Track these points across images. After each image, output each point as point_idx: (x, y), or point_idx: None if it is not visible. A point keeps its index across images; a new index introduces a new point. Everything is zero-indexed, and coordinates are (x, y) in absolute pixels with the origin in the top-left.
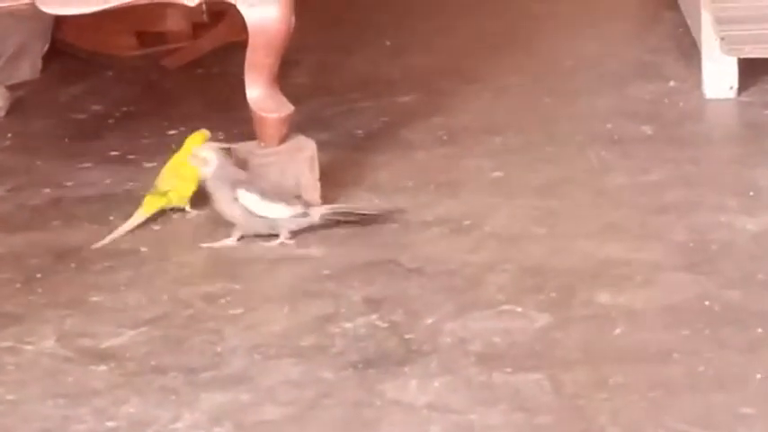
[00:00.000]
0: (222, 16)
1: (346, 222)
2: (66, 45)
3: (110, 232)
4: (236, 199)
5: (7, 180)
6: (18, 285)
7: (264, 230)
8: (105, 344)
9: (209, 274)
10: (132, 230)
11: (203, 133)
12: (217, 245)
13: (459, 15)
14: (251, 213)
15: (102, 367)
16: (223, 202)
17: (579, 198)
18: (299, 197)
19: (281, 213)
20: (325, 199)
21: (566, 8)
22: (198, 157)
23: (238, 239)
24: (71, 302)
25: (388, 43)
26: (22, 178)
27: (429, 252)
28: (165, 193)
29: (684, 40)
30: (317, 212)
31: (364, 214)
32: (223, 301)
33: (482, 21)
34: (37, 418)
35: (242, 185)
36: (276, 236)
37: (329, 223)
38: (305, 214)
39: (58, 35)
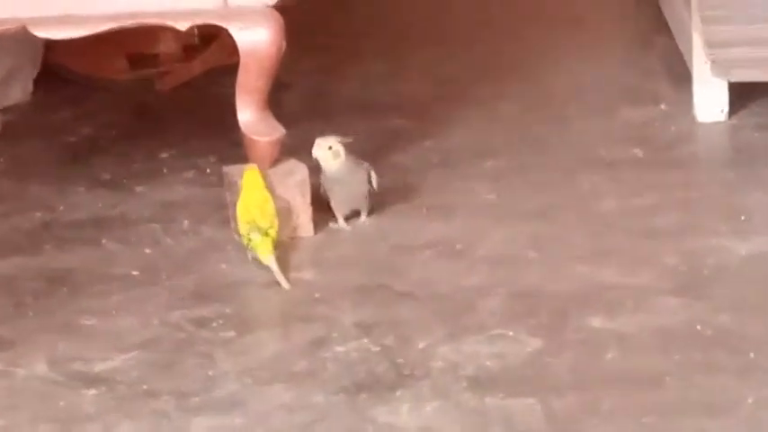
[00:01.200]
0: (213, 39)
1: None
2: (57, 68)
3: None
4: (369, 181)
5: None
6: (10, 309)
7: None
8: (97, 368)
9: (200, 298)
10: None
11: (254, 167)
12: (336, 227)
13: (451, 41)
14: (372, 191)
15: (94, 391)
16: (359, 184)
17: (571, 222)
18: None
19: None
20: (317, 224)
21: (558, 34)
22: (332, 149)
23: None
24: (63, 326)
25: (379, 68)
26: (13, 202)
27: (421, 276)
28: (266, 232)
29: (675, 63)
30: None
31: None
32: (215, 324)
33: (474, 47)
34: None
35: (370, 167)
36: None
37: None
38: None
39: (49, 58)
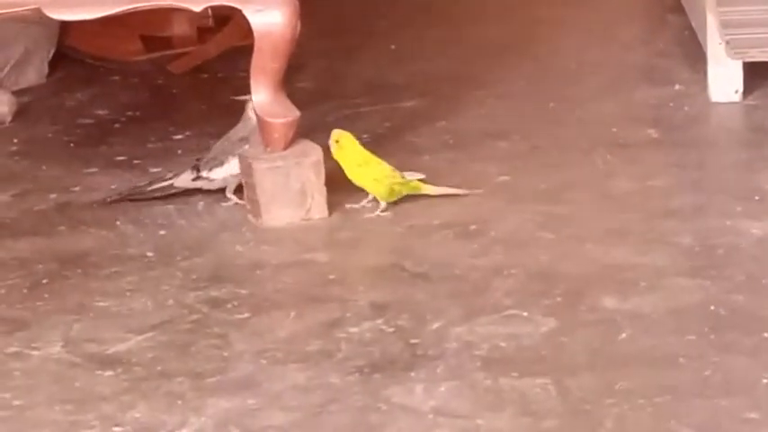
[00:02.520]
0: (228, 20)
1: None
2: (71, 50)
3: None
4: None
5: (13, 185)
6: (24, 291)
7: None
8: (112, 349)
9: (215, 279)
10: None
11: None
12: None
13: (464, 21)
14: None
15: (109, 372)
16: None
17: (585, 203)
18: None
19: None
20: (331, 205)
21: (571, 13)
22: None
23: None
24: (77, 308)
25: (393, 48)
26: (28, 184)
27: (435, 256)
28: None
29: (690, 43)
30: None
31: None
32: (229, 306)
33: (487, 26)
34: (44, 423)
35: None
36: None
37: None
38: None
39: (63, 40)
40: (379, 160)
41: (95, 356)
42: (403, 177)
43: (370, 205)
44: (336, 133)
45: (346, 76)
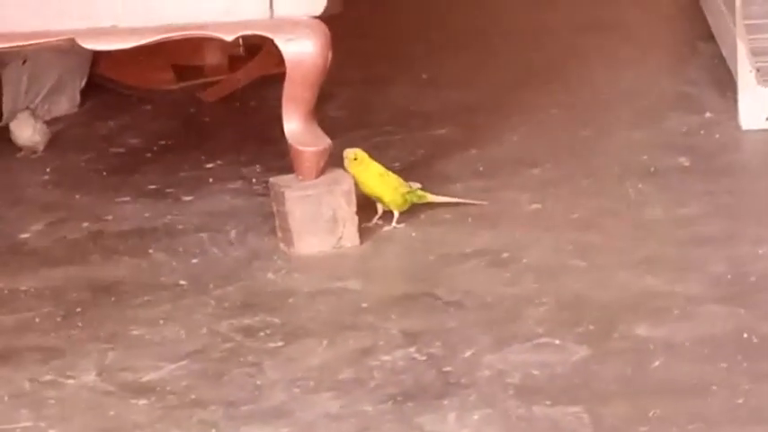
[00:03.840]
0: (259, 49)
1: None
2: (104, 79)
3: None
4: None
5: (47, 214)
6: (58, 319)
7: None
8: (146, 378)
9: (247, 308)
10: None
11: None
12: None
13: (495, 48)
14: None
15: (143, 401)
16: None
17: (617, 230)
18: None
19: None
20: (363, 233)
21: (602, 41)
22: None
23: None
24: (111, 336)
25: (424, 76)
26: (61, 212)
27: (467, 284)
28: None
29: (720, 71)
30: None
31: None
32: (262, 334)
33: (519, 53)
34: None
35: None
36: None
37: None
38: None
39: (96, 69)
40: (389, 172)
41: (129, 385)
42: (409, 187)
43: (381, 222)
44: (348, 151)
45: (377, 105)
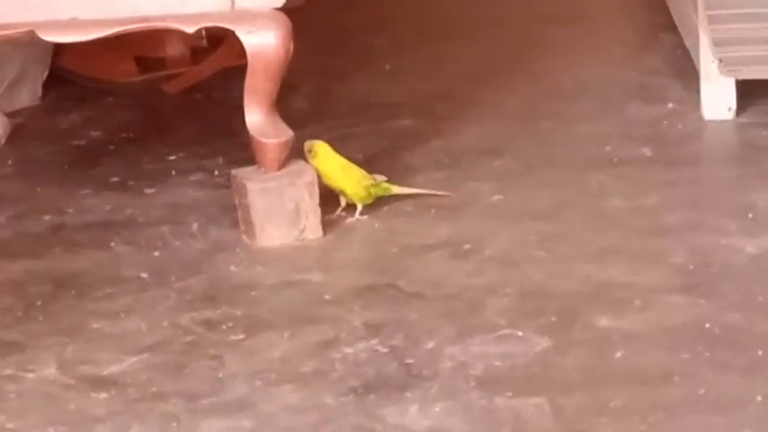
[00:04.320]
0: (221, 41)
1: None
2: (65, 71)
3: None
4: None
5: (7, 207)
6: (19, 313)
7: None
8: (106, 371)
9: (209, 300)
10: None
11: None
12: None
13: (458, 41)
14: None
15: (104, 394)
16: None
17: (579, 221)
18: None
19: None
20: (325, 225)
21: (565, 32)
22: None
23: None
24: (72, 330)
25: (387, 67)
26: (22, 205)
27: (429, 276)
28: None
29: (683, 62)
30: None
31: None
32: (224, 326)
33: (481, 46)
34: None
35: None
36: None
37: None
38: None
39: (57, 62)
40: (352, 164)
41: (90, 378)
42: (374, 179)
43: (344, 213)
44: (309, 143)
45: (340, 96)
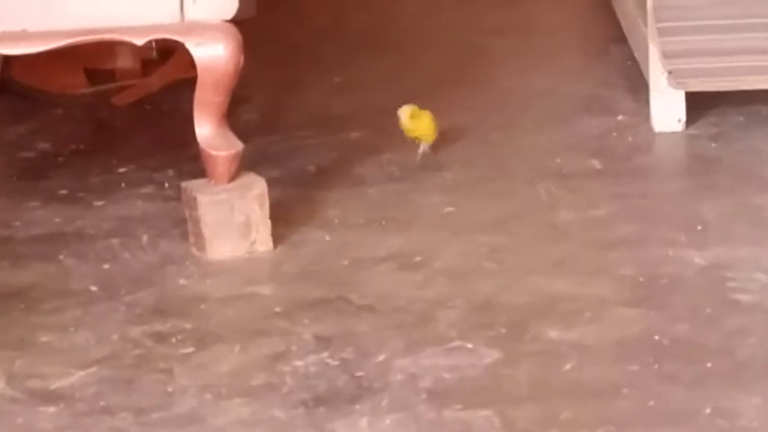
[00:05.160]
0: (172, 53)
1: None
2: (13, 83)
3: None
4: None
5: None
6: None
7: None
8: (54, 385)
9: (159, 313)
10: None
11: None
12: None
13: (407, 52)
14: None
15: (51, 408)
16: None
17: (529, 233)
18: None
19: None
20: (275, 238)
21: (515, 43)
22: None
23: None
24: (19, 343)
25: (337, 80)
26: None
27: (380, 288)
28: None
29: (632, 73)
30: None
31: None
32: (174, 340)
33: (431, 57)
34: None
35: None
36: None
37: None
38: None
39: (5, 73)
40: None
41: (37, 392)
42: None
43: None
44: (408, 109)
45: (291, 108)
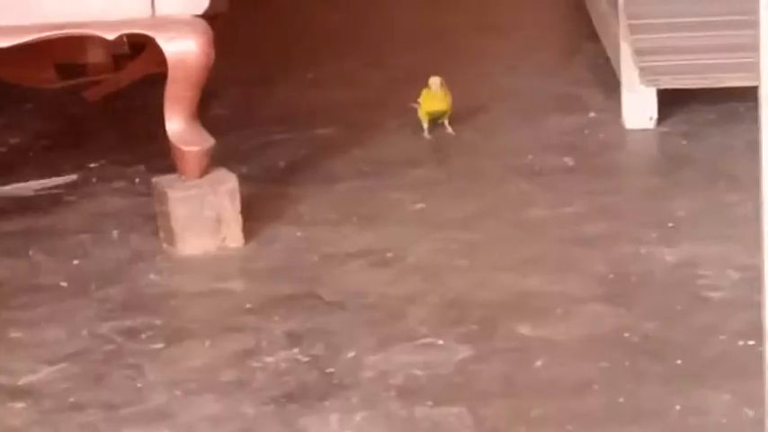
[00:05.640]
0: (143, 48)
1: None
2: None
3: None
4: None
5: None
6: None
7: None
8: (23, 380)
9: (129, 309)
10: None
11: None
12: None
13: (380, 49)
14: None
15: (20, 404)
16: None
17: (500, 230)
18: None
19: None
20: (246, 234)
21: (488, 41)
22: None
23: None
24: None
25: (309, 76)
26: None
27: (350, 285)
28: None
29: (604, 71)
30: None
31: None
32: (143, 336)
33: (403, 55)
34: None
35: None
36: None
37: None
38: None
39: None
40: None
41: (6, 388)
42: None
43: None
44: (438, 80)
45: (262, 104)
